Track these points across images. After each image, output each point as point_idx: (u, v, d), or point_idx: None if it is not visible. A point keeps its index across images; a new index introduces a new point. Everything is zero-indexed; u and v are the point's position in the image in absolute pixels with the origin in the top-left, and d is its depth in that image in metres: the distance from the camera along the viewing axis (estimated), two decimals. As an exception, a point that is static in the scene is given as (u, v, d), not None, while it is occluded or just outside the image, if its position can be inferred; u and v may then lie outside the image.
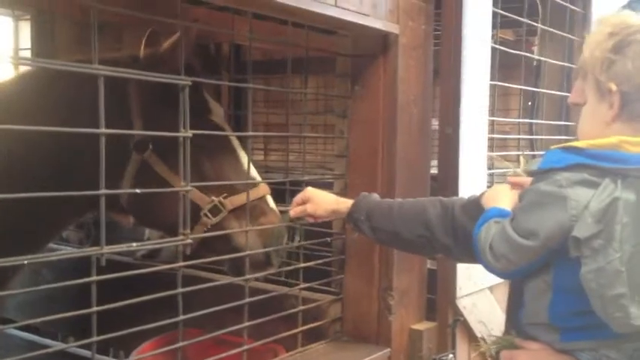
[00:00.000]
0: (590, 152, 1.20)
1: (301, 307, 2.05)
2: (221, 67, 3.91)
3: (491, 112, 2.40)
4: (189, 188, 1.66)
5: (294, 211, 1.89)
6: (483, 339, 1.92)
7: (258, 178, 2.02)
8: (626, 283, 1.13)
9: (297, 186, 2.13)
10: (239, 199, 1.90)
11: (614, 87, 1.22)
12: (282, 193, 2.32)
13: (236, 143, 2.05)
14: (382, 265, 2.12)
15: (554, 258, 1.24)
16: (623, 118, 1.23)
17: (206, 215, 1.88)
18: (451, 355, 2.14)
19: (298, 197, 1.89)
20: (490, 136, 2.38)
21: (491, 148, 2.40)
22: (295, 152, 2.99)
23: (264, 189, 1.99)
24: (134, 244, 1.55)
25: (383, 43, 2.12)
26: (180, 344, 1.65)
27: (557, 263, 1.25)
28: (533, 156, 2.70)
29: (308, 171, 3.01)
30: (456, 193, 2.16)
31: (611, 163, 1.18)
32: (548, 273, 1.26)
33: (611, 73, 1.23)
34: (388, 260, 2.10)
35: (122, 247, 1.51)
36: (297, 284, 2.10)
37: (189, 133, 1.65)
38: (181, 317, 1.66)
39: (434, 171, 2.37)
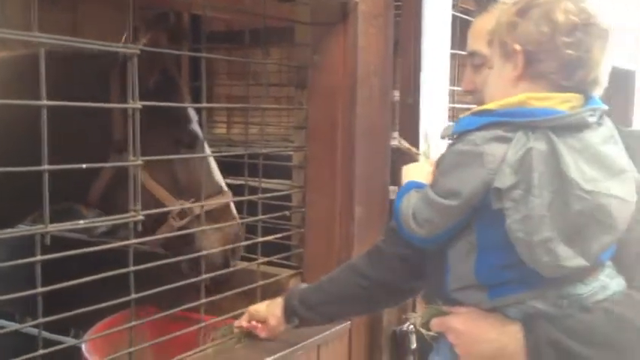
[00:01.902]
0: (500, 111, 1.25)
1: (260, 282, 2.01)
2: (182, 37, 3.81)
3: (452, 82, 2.37)
4: (139, 162, 1.60)
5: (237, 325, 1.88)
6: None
7: (223, 185, 2.10)
8: (551, 226, 1.16)
9: (256, 158, 2.09)
10: (206, 204, 1.95)
11: (518, 47, 1.26)
12: (242, 166, 2.28)
13: (208, 151, 2.14)
14: (342, 238, 2.09)
15: (476, 217, 1.26)
16: (528, 78, 1.27)
17: (173, 218, 1.97)
18: (411, 326, 2.13)
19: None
20: (451, 105, 2.36)
21: (452, 118, 2.38)
22: (258, 125, 2.93)
23: (227, 196, 2.08)
24: (81, 222, 1.49)
25: (342, 10, 2.06)
26: (133, 324, 1.61)
27: (478, 222, 1.27)
28: None
29: (269, 144, 2.97)
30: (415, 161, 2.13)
31: (521, 117, 1.22)
32: (471, 233, 1.28)
33: (515, 34, 1.27)
34: (348, 233, 2.08)
35: (67, 225, 1.45)
36: (256, 259, 2.06)
37: (139, 104, 1.58)
38: (133, 296, 1.62)
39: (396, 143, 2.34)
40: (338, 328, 2.01)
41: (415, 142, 2.16)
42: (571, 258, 1.17)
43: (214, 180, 2.08)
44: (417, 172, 1.45)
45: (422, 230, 1.31)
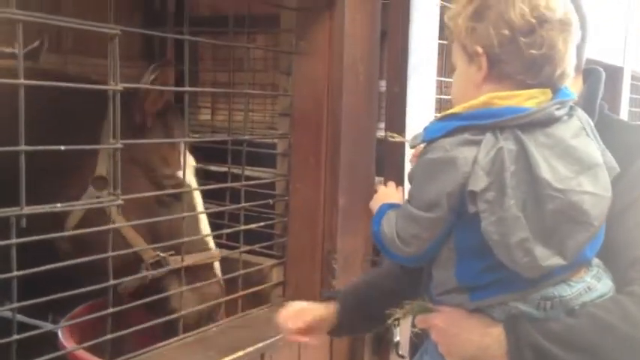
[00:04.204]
0: (465, 114, 1.23)
1: (241, 271, 1.98)
2: (167, 21, 3.76)
3: (440, 73, 2.35)
4: (119, 146, 1.57)
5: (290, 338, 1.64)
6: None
7: (212, 243, 2.00)
8: (526, 227, 1.14)
9: (239, 145, 2.05)
10: (185, 259, 1.85)
11: (480, 49, 1.24)
12: (226, 153, 2.24)
13: (199, 204, 2.02)
14: (326, 228, 2.07)
15: (455, 222, 1.24)
16: (493, 79, 1.25)
17: (146, 268, 1.85)
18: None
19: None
20: (438, 97, 2.33)
21: (438, 110, 2.35)
22: (242, 111, 2.89)
23: (214, 255, 1.97)
24: (58, 205, 1.45)
25: (329, -4, 2.03)
26: (110, 311, 1.58)
27: (456, 227, 1.25)
28: None
29: (254, 131, 2.93)
30: (402, 153, 2.11)
31: (487, 119, 1.20)
32: (450, 239, 1.26)
33: (475, 37, 1.25)
34: (332, 223, 2.05)
35: (45, 208, 1.41)
36: (238, 247, 2.03)
37: (120, 86, 1.55)
38: (111, 282, 1.58)
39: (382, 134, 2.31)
40: (320, 318, 1.99)
41: (401, 131, 2.14)
42: (548, 257, 1.16)
43: (200, 235, 1.98)
44: (387, 195, 1.44)
45: (410, 248, 1.27)
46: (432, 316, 1.32)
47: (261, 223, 2.12)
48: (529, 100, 1.22)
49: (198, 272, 1.91)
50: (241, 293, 1.98)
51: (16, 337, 1.40)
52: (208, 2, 3.73)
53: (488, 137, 1.18)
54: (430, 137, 1.25)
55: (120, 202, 1.57)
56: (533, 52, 1.20)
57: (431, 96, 2.29)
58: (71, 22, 1.50)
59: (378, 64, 2.21)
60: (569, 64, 1.25)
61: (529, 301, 1.21)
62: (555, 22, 1.21)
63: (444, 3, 2.32)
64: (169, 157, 1.99)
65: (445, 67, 2.42)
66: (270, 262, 2.17)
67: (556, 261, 1.16)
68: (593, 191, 1.18)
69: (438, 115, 1.34)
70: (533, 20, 1.20)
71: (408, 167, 2.05)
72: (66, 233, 1.80)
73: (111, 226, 1.63)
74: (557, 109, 1.21)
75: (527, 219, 1.15)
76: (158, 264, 1.86)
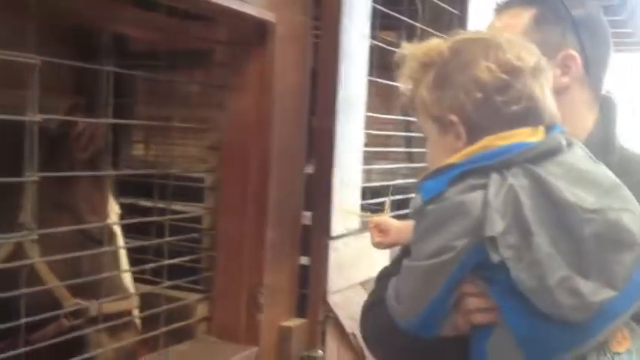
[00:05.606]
0: (465, 161, 1.12)
1: (164, 307, 1.93)
2: (101, 55, 3.72)
3: (369, 110, 2.39)
4: (35, 178, 1.52)
5: None
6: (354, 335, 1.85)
7: (131, 289, 1.98)
8: (564, 263, 1.02)
9: (166, 179, 2.02)
10: (106, 307, 1.81)
11: (454, 118, 1.15)
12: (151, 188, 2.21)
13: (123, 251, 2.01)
14: (252, 262, 2.04)
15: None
16: (475, 141, 1.15)
17: (66, 317, 1.79)
18: (320, 352, 2.10)
19: None
20: (367, 131, 2.38)
21: (368, 145, 2.39)
22: (177, 145, 2.86)
23: (134, 302, 1.96)
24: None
25: (259, 31, 2.05)
26: (26, 349, 1.50)
27: (491, 286, 1.10)
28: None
29: (186, 166, 2.90)
30: (329, 188, 2.13)
31: (492, 159, 1.10)
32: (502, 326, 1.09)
33: (445, 106, 1.16)
34: (258, 257, 2.03)
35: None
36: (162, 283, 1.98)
37: (38, 117, 1.51)
38: (23, 320, 1.51)
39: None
40: (244, 354, 1.96)
41: (330, 168, 2.16)
42: (597, 291, 1.02)
43: (121, 282, 1.96)
44: (399, 232, 1.38)
45: (405, 309, 1.14)
46: None
47: (186, 258, 2.07)
48: (531, 136, 1.13)
49: (116, 319, 1.86)
50: (164, 329, 1.91)
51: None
52: (145, 37, 3.71)
53: (494, 177, 1.07)
54: (432, 195, 1.11)
55: (34, 236, 1.51)
56: (514, 107, 1.12)
57: (360, 131, 2.33)
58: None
59: (308, 100, 2.24)
60: (551, 106, 1.16)
61: None
62: (528, 69, 1.13)
63: (374, 42, 2.38)
64: (98, 205, 1.95)
65: (372, 103, 2.46)
66: (195, 296, 2.13)
67: (606, 294, 1.02)
68: (630, 208, 1.07)
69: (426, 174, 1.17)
70: (506, 75, 1.11)
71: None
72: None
73: (25, 262, 1.58)
74: (562, 137, 1.13)
75: (561, 254, 1.02)
76: (78, 312, 1.80)
